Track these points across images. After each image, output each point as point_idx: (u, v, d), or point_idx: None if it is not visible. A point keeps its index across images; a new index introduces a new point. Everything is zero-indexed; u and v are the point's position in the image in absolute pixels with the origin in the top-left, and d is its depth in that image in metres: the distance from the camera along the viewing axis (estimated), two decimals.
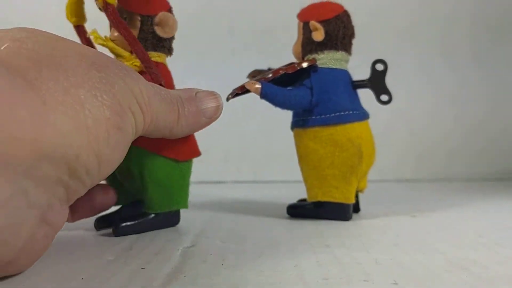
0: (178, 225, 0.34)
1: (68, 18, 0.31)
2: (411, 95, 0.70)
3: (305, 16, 0.36)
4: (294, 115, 0.37)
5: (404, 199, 0.49)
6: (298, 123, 0.36)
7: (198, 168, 0.67)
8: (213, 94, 0.30)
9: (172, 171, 0.31)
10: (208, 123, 0.30)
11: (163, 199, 0.31)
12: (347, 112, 0.35)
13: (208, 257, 0.25)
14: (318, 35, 0.35)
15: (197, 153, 0.33)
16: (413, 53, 0.71)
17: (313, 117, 0.35)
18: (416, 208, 0.42)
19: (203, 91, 0.30)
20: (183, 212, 0.34)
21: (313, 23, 0.35)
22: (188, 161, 0.32)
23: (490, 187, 0.60)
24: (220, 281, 0.21)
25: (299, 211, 0.37)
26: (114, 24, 0.29)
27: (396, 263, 0.24)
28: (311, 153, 0.35)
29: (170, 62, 0.33)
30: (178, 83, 0.33)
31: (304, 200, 0.38)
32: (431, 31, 0.71)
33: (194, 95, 0.29)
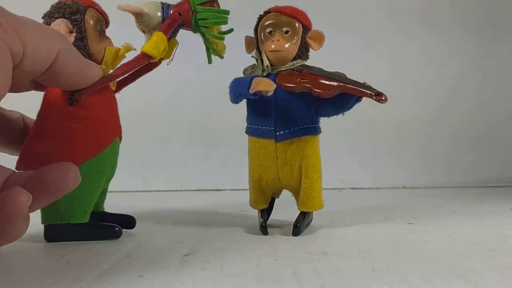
0: (176, 233, 0.34)
1: None
2: (406, 105, 0.70)
3: (305, 20, 0.35)
4: (298, 122, 0.34)
5: (401, 207, 0.49)
6: (310, 131, 0.34)
7: (196, 176, 0.68)
8: None
9: None
10: None
11: None
12: None
13: (206, 265, 0.25)
14: (319, 46, 0.35)
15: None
16: (408, 64, 0.71)
17: (319, 124, 0.35)
18: (413, 215, 0.42)
19: None
20: (180, 221, 0.34)
21: (320, 33, 0.35)
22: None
23: (486, 194, 0.60)
24: None
25: (303, 227, 0.35)
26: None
27: (393, 271, 0.24)
28: (319, 160, 0.35)
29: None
30: None
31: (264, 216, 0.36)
32: (425, 45, 0.72)
33: None
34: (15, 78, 0.24)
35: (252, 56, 0.35)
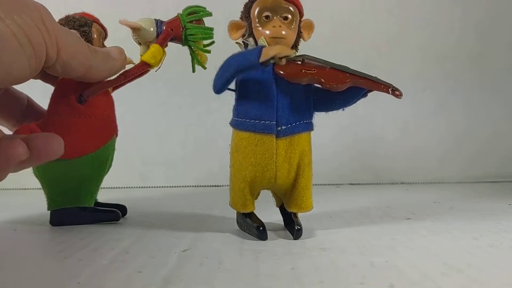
0: (174, 229, 0.34)
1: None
2: (404, 101, 0.70)
3: (301, 7, 0.33)
4: (300, 116, 0.31)
5: (399, 202, 0.49)
6: (310, 126, 0.32)
7: (195, 172, 0.68)
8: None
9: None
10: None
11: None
12: None
13: (205, 260, 0.25)
14: (308, 36, 0.33)
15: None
16: (407, 60, 0.71)
17: (313, 120, 0.33)
18: (411, 210, 0.42)
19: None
20: (178, 217, 0.34)
21: (311, 23, 0.33)
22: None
23: (484, 190, 0.60)
24: (217, 284, 0.21)
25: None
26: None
27: (392, 266, 0.24)
28: (311, 158, 0.33)
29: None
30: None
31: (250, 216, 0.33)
32: (424, 38, 0.72)
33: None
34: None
35: (236, 43, 0.33)
